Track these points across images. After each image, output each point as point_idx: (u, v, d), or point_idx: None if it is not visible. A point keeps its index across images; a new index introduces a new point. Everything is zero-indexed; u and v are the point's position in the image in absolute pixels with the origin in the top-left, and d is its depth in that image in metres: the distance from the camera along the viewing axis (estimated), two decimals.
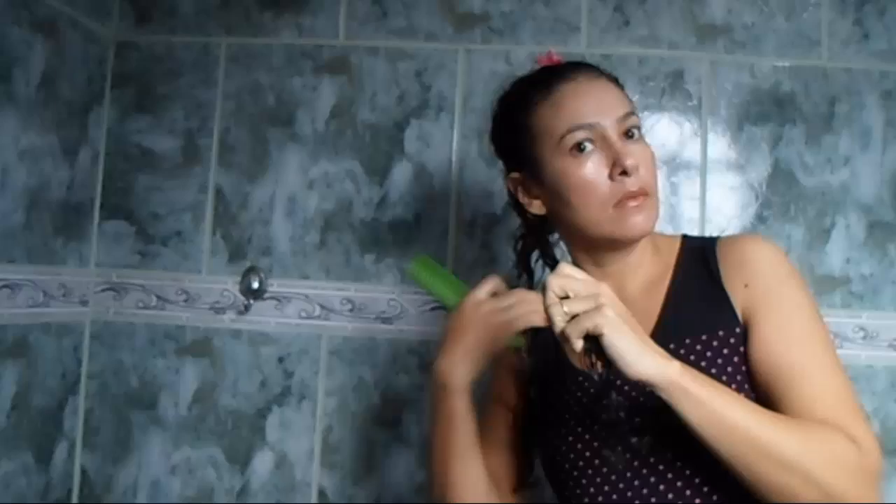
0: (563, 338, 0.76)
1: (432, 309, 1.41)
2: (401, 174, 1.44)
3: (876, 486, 0.76)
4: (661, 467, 0.84)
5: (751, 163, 1.39)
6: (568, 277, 0.77)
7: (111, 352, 1.46)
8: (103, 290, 1.48)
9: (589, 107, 0.89)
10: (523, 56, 1.43)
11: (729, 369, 0.84)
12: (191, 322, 1.45)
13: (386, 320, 1.41)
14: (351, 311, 1.43)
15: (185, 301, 1.46)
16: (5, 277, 1.25)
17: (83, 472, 1.45)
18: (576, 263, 0.96)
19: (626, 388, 0.88)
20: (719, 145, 1.39)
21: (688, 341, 0.86)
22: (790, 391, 0.81)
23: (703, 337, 0.86)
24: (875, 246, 1.36)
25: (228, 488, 1.42)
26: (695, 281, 0.90)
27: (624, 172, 0.86)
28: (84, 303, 1.46)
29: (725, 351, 0.85)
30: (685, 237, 0.96)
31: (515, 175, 0.96)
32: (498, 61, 1.43)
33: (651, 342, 0.77)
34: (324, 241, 1.44)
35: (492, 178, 1.41)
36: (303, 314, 1.43)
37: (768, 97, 1.39)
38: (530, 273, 1.06)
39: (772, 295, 0.85)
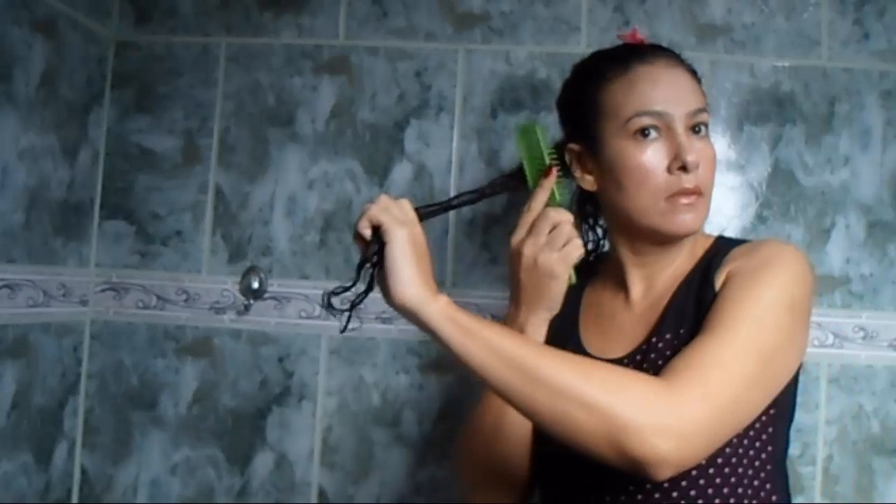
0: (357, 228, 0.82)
1: None
2: (401, 174, 1.44)
3: (679, 433, 0.71)
4: None
5: (751, 163, 1.39)
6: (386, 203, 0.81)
7: (111, 352, 1.46)
8: (103, 290, 1.48)
9: (661, 94, 0.88)
10: (523, 56, 1.43)
11: None
12: (191, 322, 1.45)
13: (386, 320, 1.41)
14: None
15: (185, 301, 1.46)
16: (5, 277, 1.25)
17: (83, 472, 1.45)
18: (614, 247, 0.98)
19: (631, 366, 0.87)
20: (719, 145, 1.39)
21: (682, 332, 0.87)
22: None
23: (694, 329, 0.84)
24: (875, 246, 1.36)
25: (228, 488, 1.42)
26: (698, 278, 0.90)
27: (683, 168, 0.86)
28: (84, 303, 1.46)
29: None
30: (718, 238, 0.96)
31: (574, 147, 0.96)
32: (498, 61, 1.43)
33: (427, 277, 0.79)
34: (324, 240, 1.44)
35: (492, 179, 1.41)
36: (303, 314, 1.43)
37: (768, 97, 1.39)
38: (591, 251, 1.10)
39: (747, 273, 0.84)
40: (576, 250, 0.91)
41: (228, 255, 1.46)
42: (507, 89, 1.43)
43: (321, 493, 1.41)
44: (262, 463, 1.42)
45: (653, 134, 0.87)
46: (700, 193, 0.87)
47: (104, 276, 1.48)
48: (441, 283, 1.41)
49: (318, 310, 1.43)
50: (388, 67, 1.45)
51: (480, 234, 1.42)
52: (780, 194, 1.38)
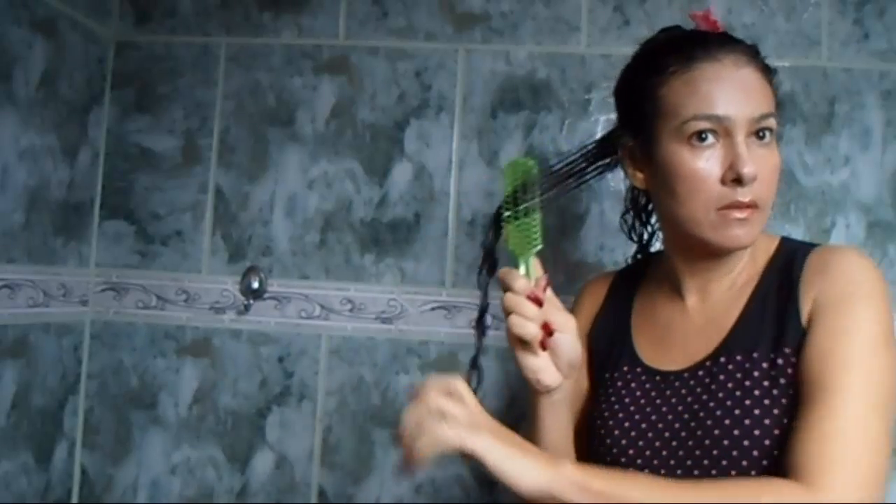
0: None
1: (433, 309, 1.41)
2: (401, 174, 1.44)
3: None
4: (705, 462, 0.79)
5: None
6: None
7: (111, 352, 1.47)
8: (103, 290, 1.48)
9: (724, 96, 0.80)
10: (523, 56, 1.43)
11: (791, 392, 0.78)
12: (191, 322, 1.45)
13: (386, 320, 1.41)
14: (351, 311, 1.43)
15: (185, 301, 1.46)
16: (5, 277, 1.25)
17: (83, 472, 1.45)
18: (667, 252, 0.93)
19: (692, 382, 0.84)
20: None
21: (755, 356, 0.81)
22: (801, 410, 0.74)
23: (772, 355, 0.80)
24: (875, 246, 1.36)
25: (228, 488, 1.42)
26: (774, 293, 0.84)
27: (737, 180, 0.79)
28: (84, 303, 1.46)
29: (790, 371, 0.78)
30: (783, 240, 0.90)
31: (627, 140, 0.90)
32: (498, 61, 1.43)
33: (528, 447, 0.71)
34: (324, 241, 1.44)
35: (492, 178, 1.42)
36: (303, 314, 1.43)
37: None
38: (642, 245, 1.05)
39: (834, 308, 0.78)
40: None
41: (228, 255, 1.46)
42: (507, 89, 1.43)
43: (321, 493, 1.41)
44: (262, 463, 1.42)
45: (710, 139, 0.80)
46: (756, 207, 0.81)
47: (104, 276, 1.48)
48: (441, 282, 1.41)
49: (318, 310, 1.43)
50: (388, 67, 1.45)
51: (480, 234, 1.42)
52: (780, 194, 1.34)
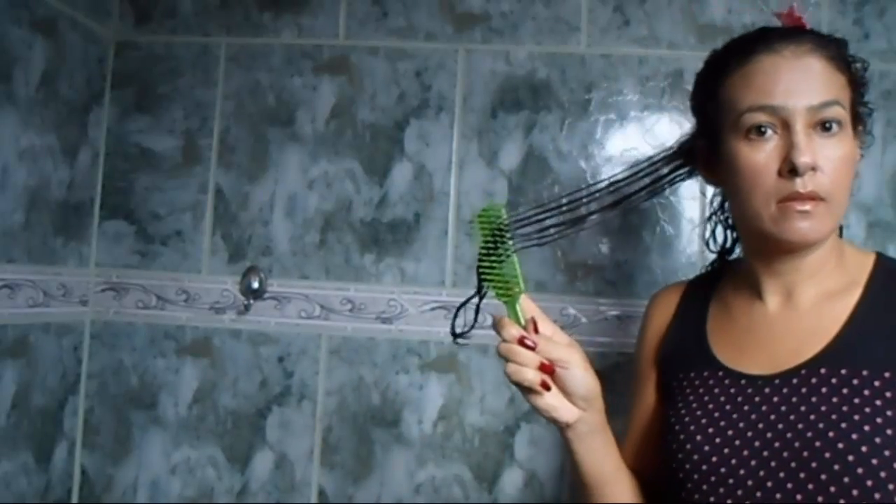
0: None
1: (433, 309, 1.41)
2: (401, 174, 1.44)
3: None
4: (801, 475, 0.75)
5: None
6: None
7: (111, 352, 1.47)
8: (103, 290, 1.48)
9: (780, 87, 0.79)
10: (523, 56, 1.43)
11: None
12: (191, 322, 1.45)
13: (386, 320, 1.42)
14: (351, 310, 1.43)
15: (185, 301, 1.46)
16: (5, 277, 1.25)
17: (83, 472, 1.45)
18: (745, 253, 0.91)
19: (786, 391, 0.81)
20: None
21: (865, 373, 0.77)
22: None
23: (887, 374, 0.76)
24: (875, 246, 1.35)
25: (228, 488, 1.42)
26: (884, 311, 0.80)
27: (793, 171, 0.77)
28: (84, 303, 1.46)
29: None
30: (879, 256, 0.87)
31: (699, 143, 0.90)
32: (498, 61, 1.43)
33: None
34: (324, 241, 1.44)
35: (492, 178, 1.42)
36: (303, 314, 1.44)
37: None
38: (724, 252, 1.02)
39: None
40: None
41: (228, 255, 1.46)
42: (507, 89, 1.43)
43: (321, 493, 1.41)
44: (262, 463, 1.42)
45: (768, 132, 0.79)
46: (820, 199, 0.77)
47: (104, 276, 1.48)
48: (441, 282, 1.41)
49: (318, 310, 1.43)
50: (388, 67, 1.45)
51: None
52: None
